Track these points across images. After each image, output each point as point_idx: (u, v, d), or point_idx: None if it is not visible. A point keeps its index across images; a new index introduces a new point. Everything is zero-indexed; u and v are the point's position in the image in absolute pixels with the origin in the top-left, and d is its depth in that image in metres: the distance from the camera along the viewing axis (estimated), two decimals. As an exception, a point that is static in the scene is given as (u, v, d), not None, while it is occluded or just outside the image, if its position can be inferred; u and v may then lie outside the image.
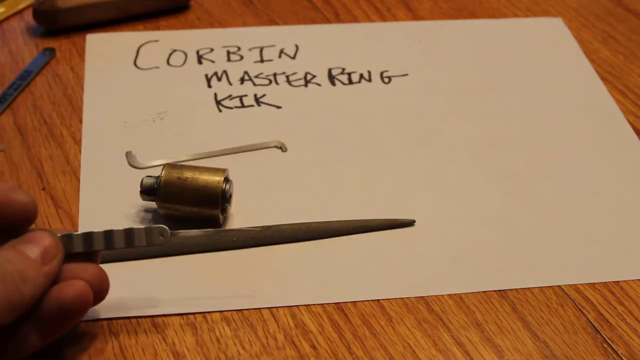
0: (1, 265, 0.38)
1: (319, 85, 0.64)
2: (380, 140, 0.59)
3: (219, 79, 0.64)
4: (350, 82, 0.65)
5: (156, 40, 0.68)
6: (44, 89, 0.63)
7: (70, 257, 0.43)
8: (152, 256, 0.49)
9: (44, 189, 0.54)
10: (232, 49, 0.68)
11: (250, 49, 0.68)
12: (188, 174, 0.51)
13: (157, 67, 0.65)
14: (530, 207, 0.54)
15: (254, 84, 0.64)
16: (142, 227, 0.44)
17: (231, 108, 0.62)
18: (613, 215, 0.54)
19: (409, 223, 0.53)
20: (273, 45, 0.68)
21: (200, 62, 0.66)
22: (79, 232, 0.43)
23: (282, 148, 0.58)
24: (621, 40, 0.71)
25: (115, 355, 0.44)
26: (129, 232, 0.43)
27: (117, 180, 0.55)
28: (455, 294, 0.49)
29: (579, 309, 0.48)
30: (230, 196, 0.52)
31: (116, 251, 0.45)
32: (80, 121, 0.60)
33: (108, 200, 0.53)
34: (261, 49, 0.68)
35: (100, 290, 0.42)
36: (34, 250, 0.40)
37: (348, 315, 0.47)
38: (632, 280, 0.50)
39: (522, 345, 0.46)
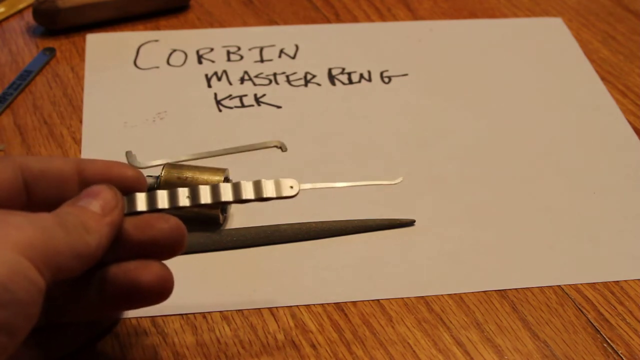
0: (62, 217, 0.37)
1: (319, 85, 0.64)
2: (380, 140, 0.59)
3: (219, 79, 0.64)
4: (350, 82, 0.65)
5: (156, 40, 0.68)
6: (44, 89, 0.63)
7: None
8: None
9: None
10: (232, 49, 0.68)
11: (250, 49, 0.68)
12: (188, 174, 0.51)
13: (157, 67, 0.65)
14: (530, 207, 0.54)
15: (254, 84, 0.64)
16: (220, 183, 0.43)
17: (231, 108, 0.62)
18: (613, 215, 0.54)
19: (409, 223, 0.53)
20: (273, 45, 0.68)
21: (200, 62, 0.66)
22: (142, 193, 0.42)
23: (282, 148, 0.58)
24: (621, 40, 0.71)
25: (115, 355, 0.44)
26: (193, 189, 0.43)
27: (117, 180, 0.55)
28: (455, 294, 0.49)
29: (579, 309, 0.48)
30: (231, 196, 0.52)
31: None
32: (80, 121, 0.60)
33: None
34: (261, 49, 0.68)
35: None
36: (92, 203, 0.39)
37: (348, 315, 0.47)
38: (632, 280, 0.50)
39: (522, 345, 0.46)
